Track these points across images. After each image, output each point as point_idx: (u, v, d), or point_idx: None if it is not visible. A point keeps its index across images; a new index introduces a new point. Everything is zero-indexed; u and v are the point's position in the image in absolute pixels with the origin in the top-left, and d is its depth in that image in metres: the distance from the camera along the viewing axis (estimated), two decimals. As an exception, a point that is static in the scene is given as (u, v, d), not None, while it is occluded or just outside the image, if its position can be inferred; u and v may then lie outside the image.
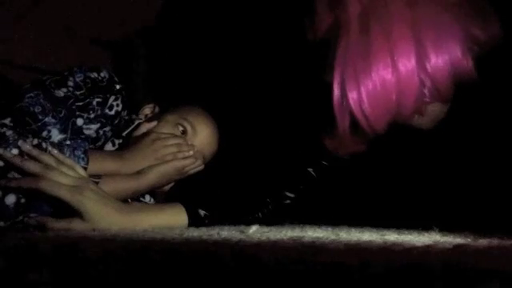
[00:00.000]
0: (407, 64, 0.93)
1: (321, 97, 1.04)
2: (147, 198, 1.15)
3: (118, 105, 1.12)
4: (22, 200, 0.96)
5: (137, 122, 1.17)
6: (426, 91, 0.97)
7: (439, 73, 0.95)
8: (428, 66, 0.94)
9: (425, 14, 0.95)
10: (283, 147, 1.22)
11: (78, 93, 1.06)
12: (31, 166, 0.94)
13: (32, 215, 0.97)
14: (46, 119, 1.00)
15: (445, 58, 0.94)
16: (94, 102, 1.08)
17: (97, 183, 0.99)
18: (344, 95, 0.96)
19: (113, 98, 1.11)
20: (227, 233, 0.91)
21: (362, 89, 0.94)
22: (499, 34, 0.99)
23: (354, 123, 1.00)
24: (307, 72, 1.14)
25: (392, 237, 0.91)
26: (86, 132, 1.08)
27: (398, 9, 0.95)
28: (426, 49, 0.94)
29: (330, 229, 1.03)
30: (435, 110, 1.03)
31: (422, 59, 0.94)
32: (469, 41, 0.96)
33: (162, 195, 1.16)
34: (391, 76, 0.94)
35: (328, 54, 1.00)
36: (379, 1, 0.96)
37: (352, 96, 0.95)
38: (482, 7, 0.99)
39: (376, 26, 0.95)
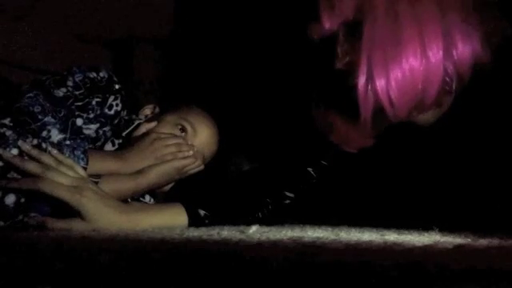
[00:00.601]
0: (436, 53, 0.93)
1: (332, 87, 1.03)
2: (147, 198, 1.15)
3: (117, 104, 1.12)
4: (22, 200, 0.96)
5: (137, 122, 1.17)
6: (449, 80, 0.97)
7: (464, 61, 0.94)
8: (455, 54, 0.94)
9: (452, 3, 0.94)
10: (283, 147, 1.22)
11: (77, 93, 1.06)
12: (31, 167, 0.94)
13: (32, 215, 0.97)
14: (46, 119, 1.00)
15: (469, 47, 0.94)
16: (94, 102, 1.08)
17: (96, 183, 0.99)
18: (371, 82, 0.95)
19: (112, 97, 1.11)
20: (227, 233, 0.91)
21: (392, 76, 0.93)
22: (506, 31, 0.99)
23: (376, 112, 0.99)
24: (312, 65, 1.13)
25: (392, 237, 0.91)
26: (86, 132, 1.08)
27: None
28: (453, 37, 0.93)
29: (329, 229, 1.03)
30: (445, 103, 1.03)
31: (449, 47, 0.93)
32: (486, 33, 0.96)
33: (162, 195, 1.16)
34: (420, 64, 0.93)
35: (345, 42, 0.99)
36: None
37: (380, 83, 0.94)
38: (489, 5, 0.99)
39: (406, 12, 0.94)
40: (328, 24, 1.00)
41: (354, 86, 0.96)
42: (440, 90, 0.96)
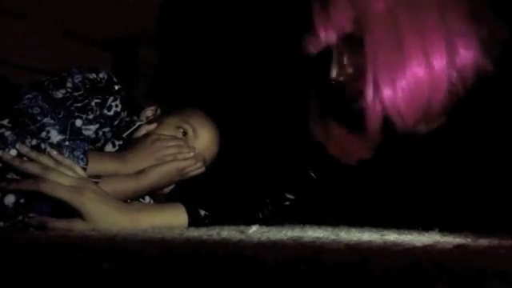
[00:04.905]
0: (440, 61, 0.93)
1: (332, 100, 1.04)
2: (147, 199, 1.14)
3: (116, 105, 1.11)
4: (22, 200, 0.96)
5: (137, 124, 1.17)
6: (453, 87, 0.97)
7: (467, 68, 0.95)
8: (458, 61, 0.94)
9: (452, 12, 0.95)
10: (284, 149, 1.22)
11: (76, 94, 1.06)
12: (31, 168, 0.94)
13: (32, 215, 0.97)
14: (45, 120, 0.99)
15: (471, 54, 0.94)
16: (93, 103, 1.08)
17: (96, 183, 0.99)
18: (377, 93, 0.95)
19: (111, 98, 1.11)
20: (227, 233, 0.91)
21: (398, 86, 0.93)
22: (504, 39, 0.99)
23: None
24: (311, 73, 1.13)
25: (392, 237, 0.91)
26: (85, 133, 1.08)
27: (427, 5, 0.95)
28: (455, 44, 0.94)
29: (329, 229, 1.03)
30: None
31: (452, 55, 0.94)
32: (486, 40, 0.96)
33: (162, 198, 1.16)
34: (424, 72, 0.93)
35: (343, 55, 0.99)
36: None
37: (387, 93, 0.94)
38: (487, 12, 0.99)
39: (406, 22, 0.94)
40: (324, 36, 1.00)
41: (359, 98, 0.96)
42: (446, 97, 0.96)
